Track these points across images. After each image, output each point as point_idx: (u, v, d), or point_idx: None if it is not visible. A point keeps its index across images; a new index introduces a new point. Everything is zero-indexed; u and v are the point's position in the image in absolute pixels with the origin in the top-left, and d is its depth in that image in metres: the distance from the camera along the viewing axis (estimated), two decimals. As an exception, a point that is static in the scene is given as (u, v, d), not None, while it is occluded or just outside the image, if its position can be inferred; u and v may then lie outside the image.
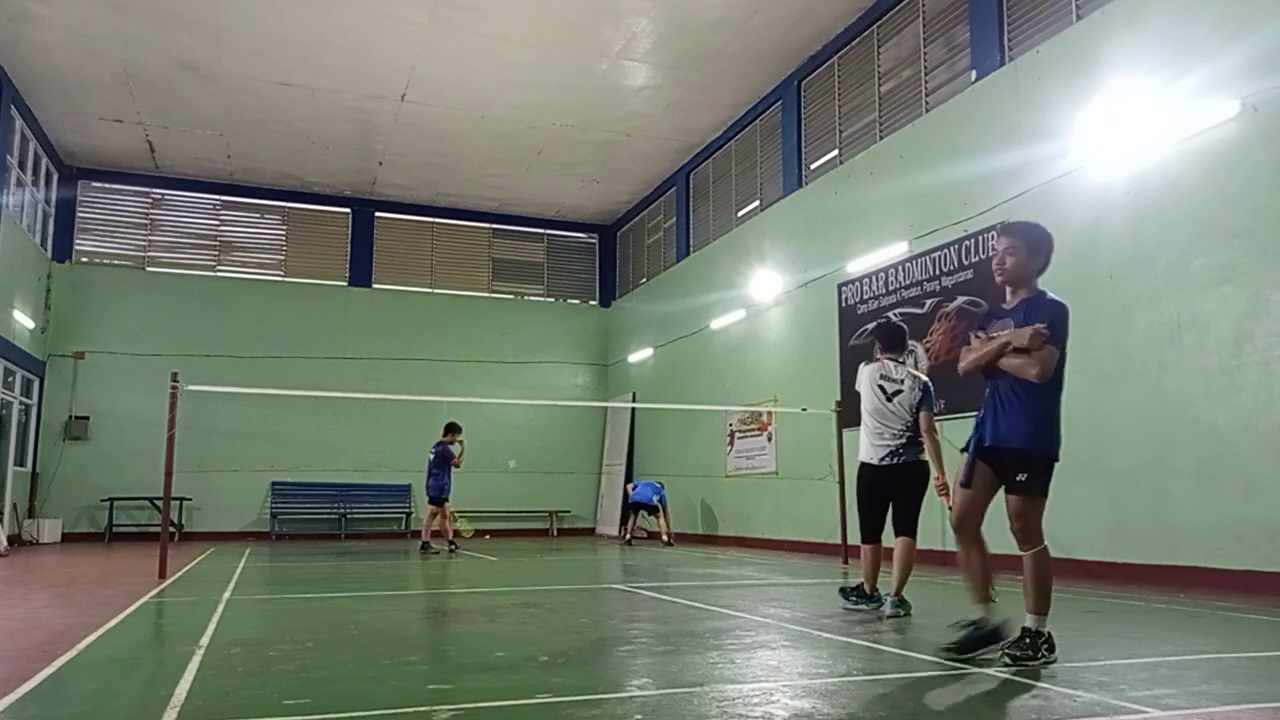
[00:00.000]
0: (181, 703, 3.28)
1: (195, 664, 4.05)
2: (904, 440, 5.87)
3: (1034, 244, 4.42)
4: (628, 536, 15.94)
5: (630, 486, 16.58)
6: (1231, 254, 7.41)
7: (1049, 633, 4.13)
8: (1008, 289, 4.47)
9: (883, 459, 5.89)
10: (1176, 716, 3.06)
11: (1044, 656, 4.04)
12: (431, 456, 13.59)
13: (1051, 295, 4.41)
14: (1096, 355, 8.58)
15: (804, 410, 11.93)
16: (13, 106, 14.15)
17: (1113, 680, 3.64)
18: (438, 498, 13.47)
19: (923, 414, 5.89)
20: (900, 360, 6.10)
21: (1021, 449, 4.24)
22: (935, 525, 10.46)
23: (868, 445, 5.99)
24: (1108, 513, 8.35)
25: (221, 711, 3.19)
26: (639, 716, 3.08)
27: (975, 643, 4.16)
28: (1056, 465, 4.37)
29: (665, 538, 15.48)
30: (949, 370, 10.44)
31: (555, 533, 19.79)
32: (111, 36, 12.68)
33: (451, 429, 13.68)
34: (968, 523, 4.26)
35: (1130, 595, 6.97)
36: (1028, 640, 4.08)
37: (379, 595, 7.68)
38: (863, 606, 6.06)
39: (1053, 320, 4.25)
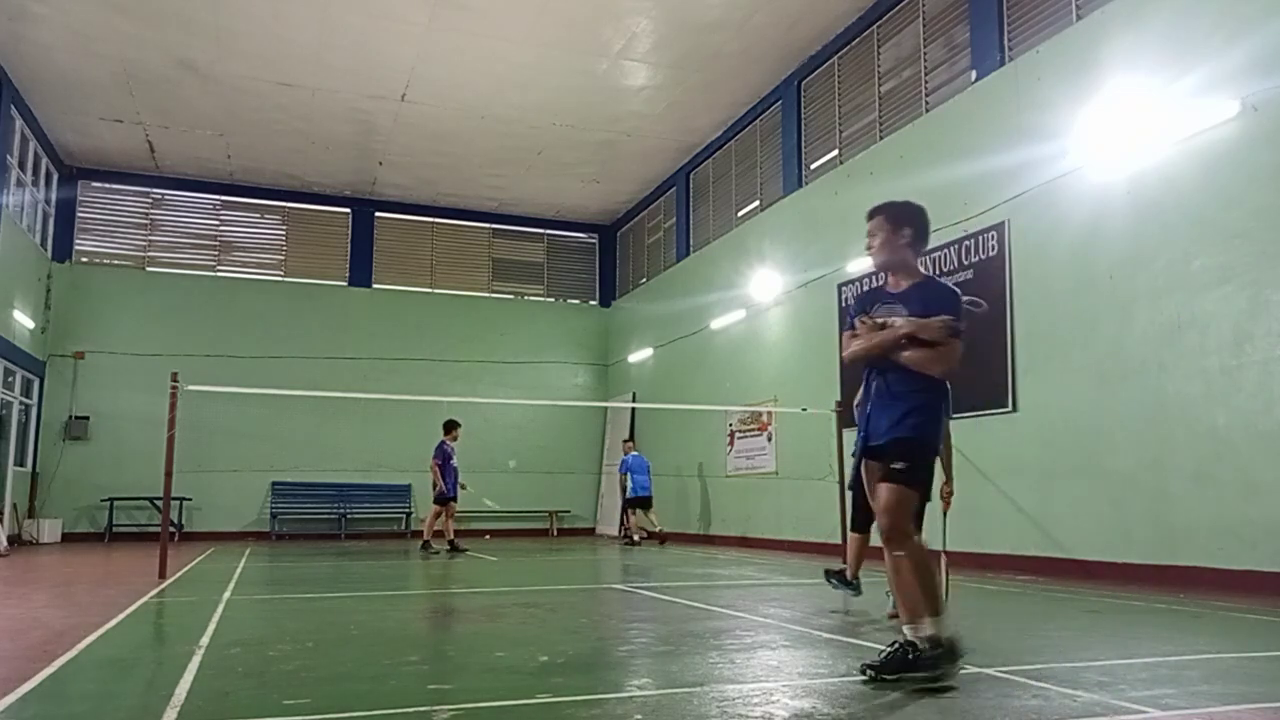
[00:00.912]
0: (181, 703, 3.28)
1: (195, 664, 4.05)
2: None
3: (895, 216, 4.08)
4: (636, 537, 15.70)
5: (625, 476, 15.92)
6: (1231, 254, 7.41)
7: (927, 641, 3.61)
8: (887, 274, 4.14)
9: None
10: (1176, 716, 3.06)
11: (919, 669, 3.58)
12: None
13: (942, 281, 4.13)
14: (1096, 355, 8.59)
15: (804, 410, 11.93)
16: (13, 106, 14.15)
17: (1113, 680, 3.64)
18: (439, 497, 13.50)
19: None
20: None
21: (905, 438, 3.83)
22: (935, 525, 10.46)
23: None
24: (1108, 513, 8.35)
25: (221, 711, 3.19)
26: (639, 716, 3.08)
27: (902, 665, 3.63)
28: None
29: (659, 537, 15.40)
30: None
31: (555, 533, 19.79)
32: (111, 36, 12.68)
33: (447, 426, 13.71)
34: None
35: (1130, 595, 6.97)
36: (896, 653, 3.65)
37: (379, 595, 7.69)
38: (846, 590, 6.25)
39: (955, 311, 3.93)
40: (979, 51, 10.42)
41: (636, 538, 15.60)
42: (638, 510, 15.81)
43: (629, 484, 15.77)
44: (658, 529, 15.57)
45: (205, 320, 17.98)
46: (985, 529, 9.75)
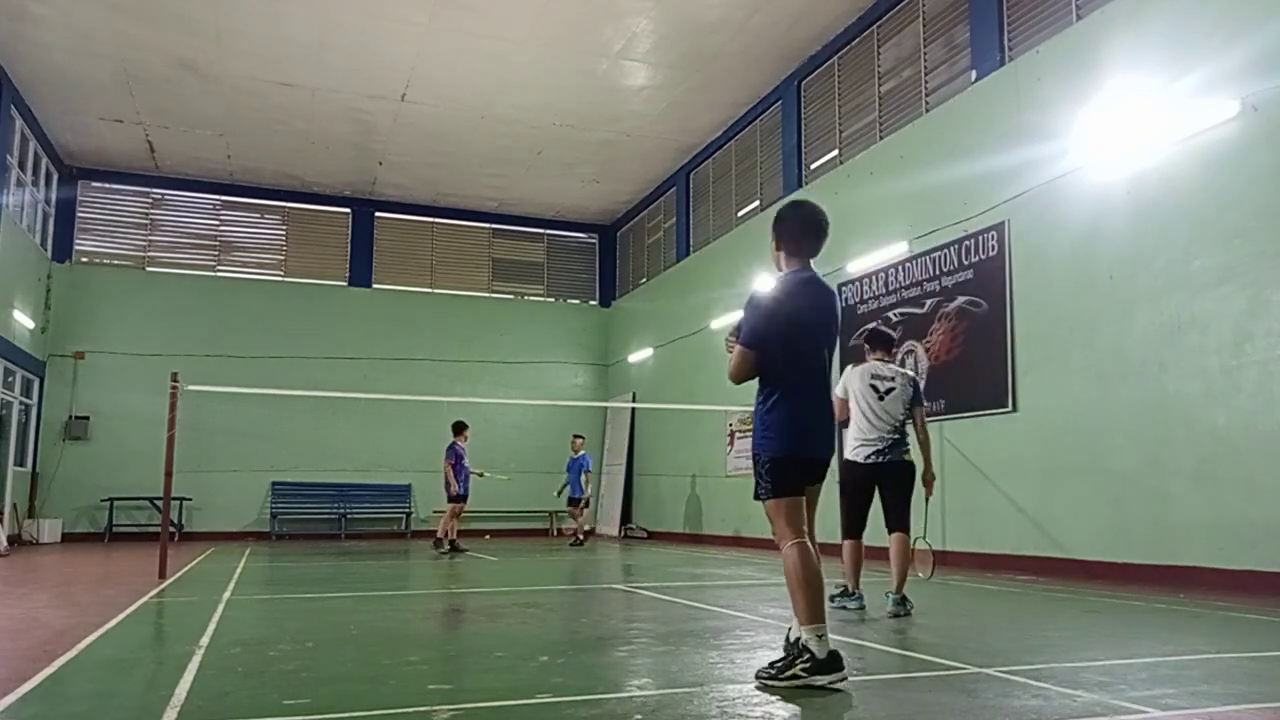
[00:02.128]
0: (181, 703, 3.28)
1: (195, 664, 4.05)
2: (891, 441, 5.97)
3: (774, 221, 4.02)
4: (581, 536, 15.57)
5: (586, 476, 15.75)
6: (1231, 254, 7.41)
7: (814, 649, 3.54)
8: None
9: (868, 458, 6.00)
10: (1176, 716, 3.06)
11: (796, 678, 3.53)
12: None
13: (772, 282, 3.97)
14: (1096, 355, 8.59)
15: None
16: (13, 106, 14.14)
17: (1113, 680, 3.64)
18: (454, 496, 13.45)
19: (916, 410, 6.06)
20: (889, 360, 6.21)
21: (750, 455, 3.93)
22: (935, 524, 10.47)
23: (854, 444, 6.07)
24: (1108, 513, 8.35)
25: (221, 711, 3.19)
26: (639, 716, 3.08)
27: (788, 667, 3.65)
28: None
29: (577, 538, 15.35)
30: (950, 370, 10.45)
31: (555, 533, 19.78)
32: (111, 36, 12.68)
33: (457, 427, 13.76)
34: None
35: (1130, 595, 6.97)
36: (783, 658, 3.65)
37: (379, 595, 7.69)
38: (849, 605, 6.04)
39: (743, 317, 3.89)
40: (979, 51, 10.42)
41: (581, 536, 15.56)
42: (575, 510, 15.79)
43: (574, 482, 15.63)
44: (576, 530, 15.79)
45: (205, 320, 17.97)
46: (985, 529, 9.75)
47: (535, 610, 6.33)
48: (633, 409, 19.34)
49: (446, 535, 13.47)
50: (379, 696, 3.41)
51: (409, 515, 18.76)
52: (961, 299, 10.33)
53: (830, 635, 3.59)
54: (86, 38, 12.71)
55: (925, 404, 6.12)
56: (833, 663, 3.54)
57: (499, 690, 3.54)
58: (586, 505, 15.80)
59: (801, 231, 3.96)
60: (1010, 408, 9.53)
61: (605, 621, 5.86)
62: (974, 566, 9.73)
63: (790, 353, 3.81)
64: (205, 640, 4.75)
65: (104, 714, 3.19)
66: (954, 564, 10.03)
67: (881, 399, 5.97)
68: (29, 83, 14.07)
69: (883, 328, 6.57)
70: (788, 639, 3.70)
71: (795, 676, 3.55)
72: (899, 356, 11.21)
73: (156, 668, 4.16)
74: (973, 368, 10.07)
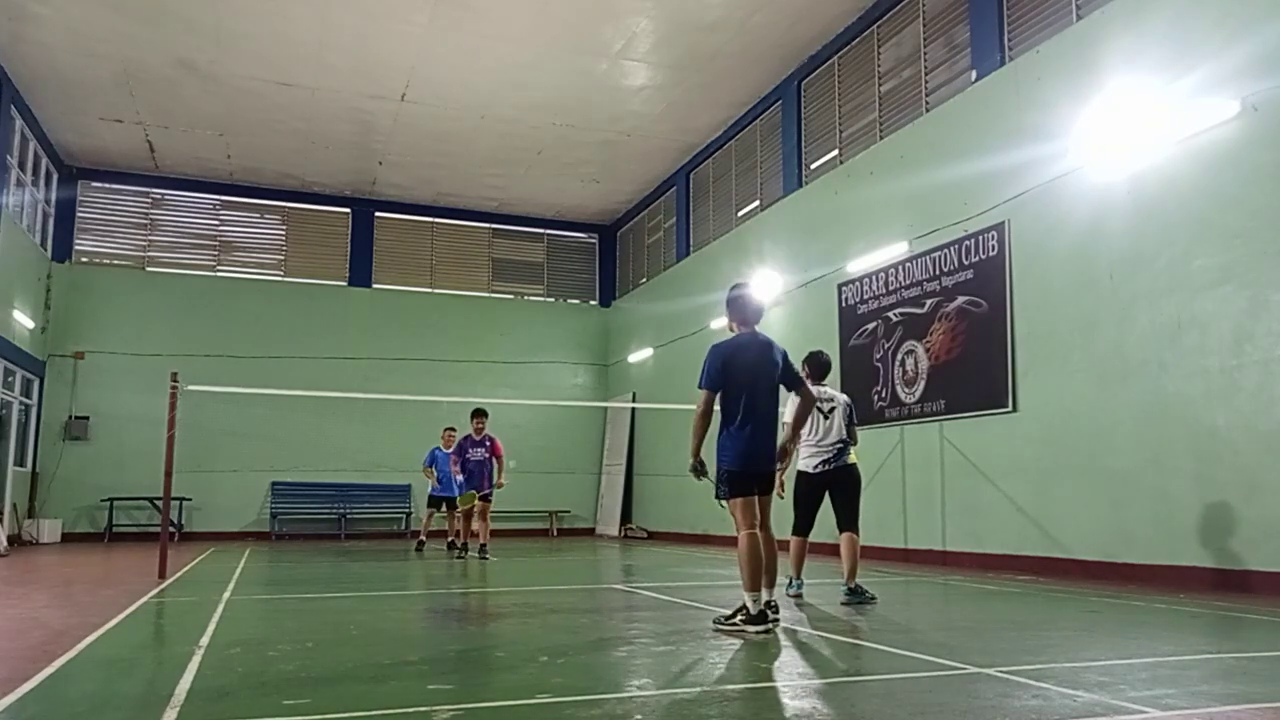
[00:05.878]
0: (181, 703, 3.28)
1: (195, 664, 4.05)
2: (836, 451, 6.85)
3: (725, 301, 5.58)
4: (422, 536, 14.07)
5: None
6: (1231, 254, 7.41)
7: (750, 607, 4.93)
8: None
9: (816, 467, 6.88)
10: (1176, 716, 3.05)
11: (736, 626, 4.95)
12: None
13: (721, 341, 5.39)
14: (1096, 355, 8.59)
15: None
16: (13, 106, 14.14)
17: (1113, 680, 3.64)
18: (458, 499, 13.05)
19: (851, 428, 6.98)
20: (824, 384, 7.13)
21: (716, 466, 5.25)
22: (935, 525, 10.48)
23: (805, 456, 6.95)
24: (1108, 513, 8.35)
25: (221, 711, 3.19)
26: (639, 716, 3.08)
27: (730, 619, 5.18)
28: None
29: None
30: (950, 370, 10.45)
31: (555, 533, 19.79)
32: (111, 36, 12.68)
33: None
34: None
35: (1130, 595, 6.97)
36: (731, 613, 5.10)
37: (379, 595, 7.69)
38: (789, 590, 6.82)
39: (702, 367, 5.26)
40: (979, 51, 10.42)
41: (423, 537, 14.11)
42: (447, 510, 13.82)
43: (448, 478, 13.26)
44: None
45: (205, 320, 17.97)
46: (985, 529, 9.75)
47: (535, 610, 6.33)
48: (633, 409, 19.34)
49: (457, 535, 13.32)
50: (379, 696, 3.41)
51: (409, 515, 18.75)
52: (961, 299, 10.33)
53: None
54: (86, 38, 12.71)
55: (857, 423, 7.15)
56: (761, 618, 4.89)
57: (499, 690, 3.54)
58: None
59: (741, 310, 5.48)
60: (1010, 408, 9.53)
61: (605, 621, 5.87)
62: (974, 566, 9.73)
63: (732, 392, 5.15)
64: (205, 640, 4.74)
65: (104, 714, 3.19)
66: (954, 564, 10.03)
67: (827, 418, 6.92)
68: (29, 83, 14.07)
69: (821, 357, 7.33)
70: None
71: (735, 625, 4.96)
72: (899, 356, 11.25)
73: (156, 668, 4.16)
74: (973, 368, 10.07)
